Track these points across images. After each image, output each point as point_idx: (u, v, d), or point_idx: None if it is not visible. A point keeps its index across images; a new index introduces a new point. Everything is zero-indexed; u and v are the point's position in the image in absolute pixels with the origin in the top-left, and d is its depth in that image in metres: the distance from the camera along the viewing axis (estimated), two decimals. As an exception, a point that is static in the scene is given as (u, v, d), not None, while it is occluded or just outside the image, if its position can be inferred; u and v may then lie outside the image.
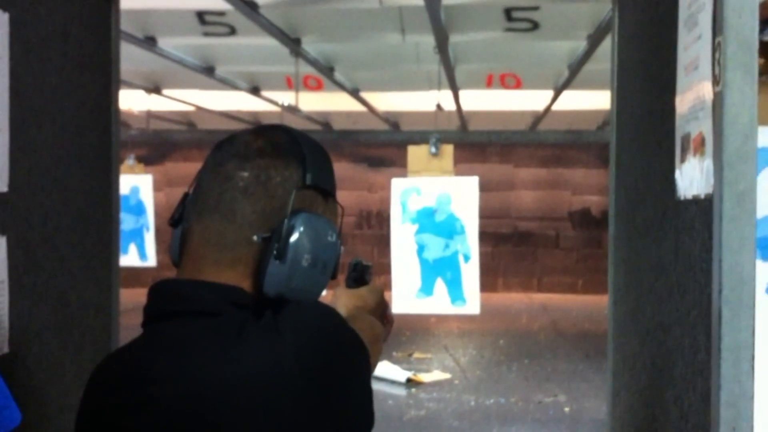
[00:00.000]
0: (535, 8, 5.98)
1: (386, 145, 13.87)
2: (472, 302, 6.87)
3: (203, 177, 1.48)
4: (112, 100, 2.65)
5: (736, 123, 1.52)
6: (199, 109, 10.77)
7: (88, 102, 2.50)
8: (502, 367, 9.27)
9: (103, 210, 2.62)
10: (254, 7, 5.47)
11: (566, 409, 7.55)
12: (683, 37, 1.81)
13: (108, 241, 2.66)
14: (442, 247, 6.85)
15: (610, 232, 2.70)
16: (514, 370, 9.11)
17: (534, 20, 6.26)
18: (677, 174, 1.84)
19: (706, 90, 1.63)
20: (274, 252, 1.39)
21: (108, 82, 2.63)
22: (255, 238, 1.40)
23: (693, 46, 1.72)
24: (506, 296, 14.08)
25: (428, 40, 6.39)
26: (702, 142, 1.66)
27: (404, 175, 7.31)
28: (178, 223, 1.52)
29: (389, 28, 6.38)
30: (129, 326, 2.73)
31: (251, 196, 1.42)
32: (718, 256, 1.53)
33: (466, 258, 6.89)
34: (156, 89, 9.22)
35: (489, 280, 12.17)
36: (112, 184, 2.67)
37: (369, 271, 1.93)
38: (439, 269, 6.80)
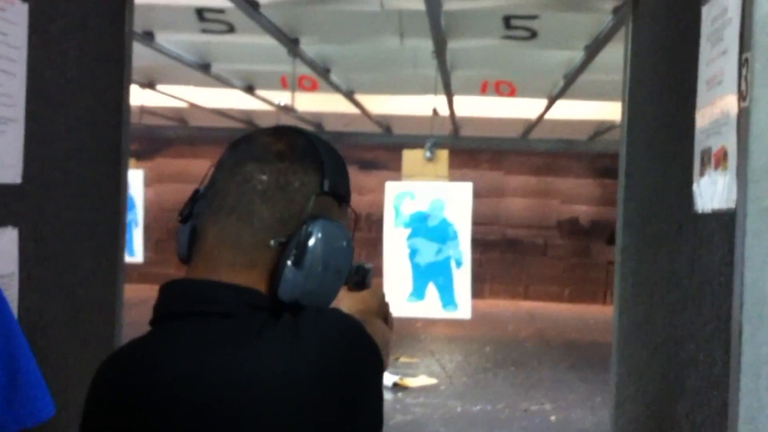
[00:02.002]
0: (534, 17, 5.99)
1: (377, 148, 13.87)
2: (463, 307, 6.88)
3: (219, 176, 1.47)
4: (123, 94, 2.65)
5: (762, 138, 1.53)
6: (192, 105, 10.74)
7: (102, 95, 2.50)
8: (489, 373, 9.27)
9: (112, 205, 2.61)
10: (255, 6, 5.46)
11: (552, 418, 7.56)
12: (706, 52, 1.82)
13: (115, 235, 2.65)
14: (435, 252, 6.85)
15: (618, 243, 2.70)
16: (500, 377, 9.12)
17: (532, 29, 6.27)
18: (695, 187, 1.84)
19: (731, 105, 1.63)
20: (292, 258, 1.39)
21: (121, 76, 2.62)
22: (272, 242, 1.40)
23: (717, 61, 1.73)
24: (493, 303, 14.10)
25: (426, 45, 6.38)
26: (724, 156, 1.66)
27: (395, 178, 7.30)
28: (187, 219, 1.51)
29: (388, 31, 6.38)
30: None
31: (270, 200, 1.41)
32: (740, 270, 1.53)
33: (458, 263, 6.91)
34: (150, 84, 9.18)
35: (476, 287, 12.14)
36: (121, 179, 2.66)
37: (370, 275, 1.93)
38: (431, 274, 6.81)
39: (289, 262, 1.39)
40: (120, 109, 2.63)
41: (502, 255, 14.70)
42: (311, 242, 1.39)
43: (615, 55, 6.12)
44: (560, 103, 8.95)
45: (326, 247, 1.41)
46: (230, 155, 1.49)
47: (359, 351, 1.40)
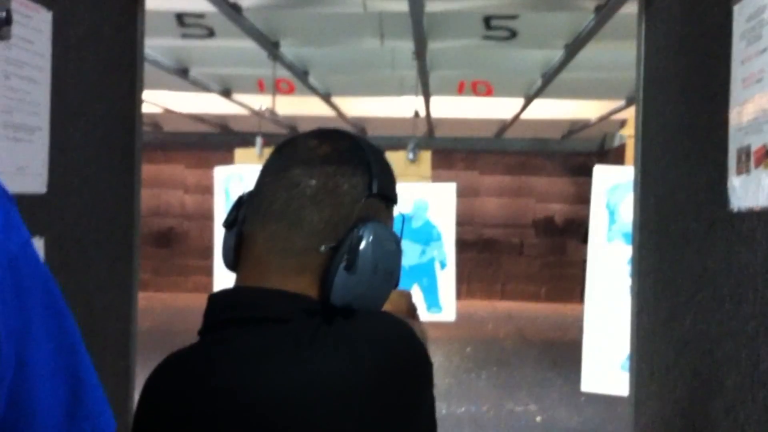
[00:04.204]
0: (514, 17, 6.00)
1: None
2: (448, 309, 6.86)
3: (265, 181, 1.45)
4: (136, 102, 2.63)
5: (809, 137, 1.54)
6: (168, 110, 10.66)
7: (117, 103, 2.48)
8: (471, 374, 9.29)
9: (127, 212, 2.59)
10: (238, 10, 5.43)
11: (538, 419, 7.58)
12: (740, 51, 1.82)
13: (130, 244, 2.62)
14: (419, 254, 6.83)
15: (635, 241, 2.71)
16: (483, 377, 9.13)
17: (512, 29, 6.28)
18: (730, 186, 1.85)
19: (773, 103, 1.64)
20: (344, 262, 1.37)
21: (134, 84, 2.60)
22: (323, 248, 1.38)
23: (755, 59, 1.74)
24: (470, 303, 14.10)
25: (406, 46, 6.38)
26: (766, 154, 1.67)
27: (371, 179, 7.24)
28: (232, 226, 1.49)
29: (369, 33, 6.37)
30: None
31: (319, 204, 1.39)
32: (789, 268, 1.54)
33: (443, 265, 6.90)
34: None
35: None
36: (135, 186, 2.64)
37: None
38: (415, 276, 6.79)
39: (341, 267, 1.37)
40: (133, 115, 2.61)
41: (479, 255, 14.72)
42: (363, 246, 1.38)
43: (592, 53, 6.19)
44: (535, 102, 8.98)
45: (378, 251, 1.40)
46: (275, 160, 1.48)
47: (413, 355, 1.39)
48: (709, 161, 2.00)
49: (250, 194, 1.48)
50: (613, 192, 4.36)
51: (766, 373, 1.63)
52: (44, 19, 1.98)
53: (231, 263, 1.48)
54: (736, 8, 1.85)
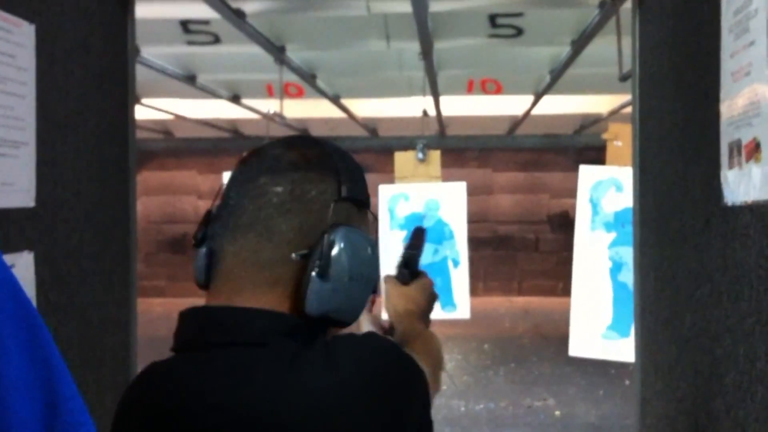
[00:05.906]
0: (519, 14, 5.98)
1: (364, 151, 13.84)
2: (462, 307, 6.84)
3: (231, 193, 1.41)
4: (128, 113, 2.61)
5: (798, 130, 1.50)
6: (178, 117, 10.67)
7: (107, 115, 2.46)
8: (489, 371, 9.26)
9: (122, 225, 2.57)
10: (241, 16, 5.42)
11: (557, 413, 7.55)
12: (729, 45, 1.80)
13: (126, 256, 2.61)
14: (431, 253, 6.80)
15: (635, 238, 2.68)
16: (501, 374, 9.11)
17: (518, 26, 6.26)
18: (723, 180, 1.82)
19: (762, 96, 1.61)
20: (316, 270, 1.33)
21: (125, 94, 2.58)
22: (293, 256, 1.34)
23: (743, 53, 1.71)
24: (487, 300, 14.07)
25: (412, 47, 6.36)
26: (756, 148, 1.64)
27: (383, 180, 7.25)
28: (202, 243, 1.45)
29: (375, 35, 6.35)
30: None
31: (287, 213, 1.36)
32: (782, 263, 1.51)
33: (456, 263, 6.87)
34: (136, 99, 9.10)
35: (470, 285, 12.17)
36: (130, 199, 2.62)
37: (416, 259, 1.90)
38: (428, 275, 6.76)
39: (313, 274, 1.33)
40: (125, 127, 2.60)
41: (494, 252, 14.68)
42: (335, 252, 1.34)
43: (599, 48, 6.15)
44: (545, 99, 8.94)
45: (351, 256, 1.35)
46: (241, 171, 1.44)
47: (397, 374, 1.34)
48: (703, 157, 1.97)
49: (219, 208, 1.44)
50: (596, 188, 4.93)
51: (764, 370, 1.60)
52: (27, 32, 1.97)
53: (203, 282, 1.44)
54: (724, 2, 1.83)
